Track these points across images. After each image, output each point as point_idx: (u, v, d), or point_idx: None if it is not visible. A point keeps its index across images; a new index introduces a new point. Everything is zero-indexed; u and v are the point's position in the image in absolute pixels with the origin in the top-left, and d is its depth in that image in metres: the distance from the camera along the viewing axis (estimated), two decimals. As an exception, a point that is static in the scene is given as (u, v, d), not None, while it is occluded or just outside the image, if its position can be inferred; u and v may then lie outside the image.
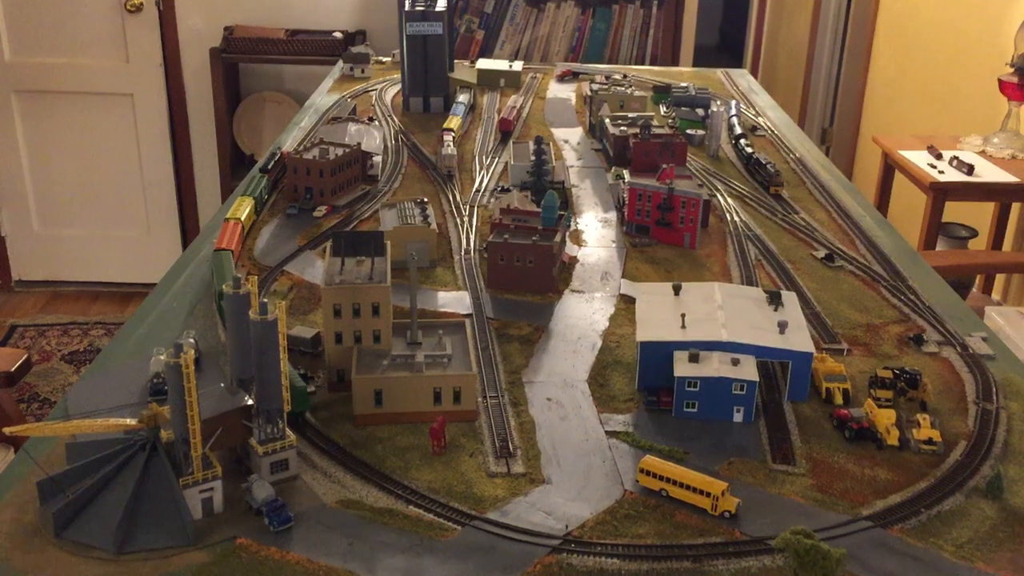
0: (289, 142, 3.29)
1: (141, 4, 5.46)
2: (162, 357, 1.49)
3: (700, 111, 3.53)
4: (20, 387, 4.77)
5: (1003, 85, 4.05)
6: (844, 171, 5.99)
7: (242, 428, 1.62)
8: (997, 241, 4.45)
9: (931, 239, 4.05)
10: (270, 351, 1.59)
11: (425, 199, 2.63)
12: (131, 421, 1.57)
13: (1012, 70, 4.01)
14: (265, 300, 1.59)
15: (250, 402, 1.62)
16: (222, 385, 1.65)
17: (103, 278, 6.00)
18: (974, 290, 4.36)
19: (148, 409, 1.54)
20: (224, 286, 1.63)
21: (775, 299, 2.05)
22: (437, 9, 3.53)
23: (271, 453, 1.61)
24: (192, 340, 1.96)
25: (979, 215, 4.44)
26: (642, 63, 5.37)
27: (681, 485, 1.61)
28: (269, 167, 2.90)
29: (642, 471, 1.64)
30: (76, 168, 5.78)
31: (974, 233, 4.35)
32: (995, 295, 4.54)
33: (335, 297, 1.87)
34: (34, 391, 4.90)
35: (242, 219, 2.56)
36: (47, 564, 1.44)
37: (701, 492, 1.59)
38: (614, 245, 2.61)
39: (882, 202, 4.57)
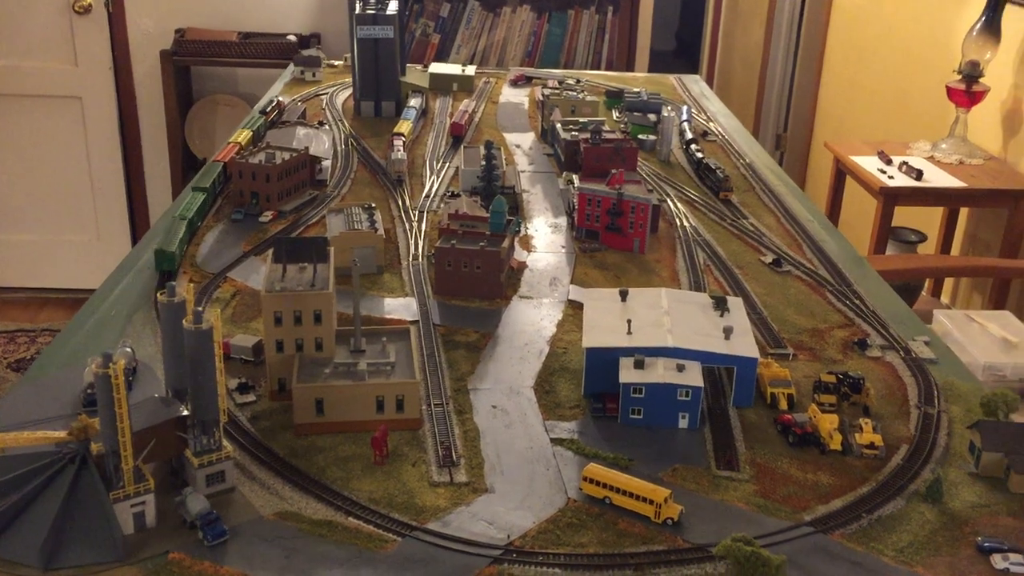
0: (285, 94, 3.76)
1: (90, 5, 5.36)
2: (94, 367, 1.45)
3: (652, 116, 3.53)
4: (-37, 396, 4.66)
5: (951, 92, 4.11)
6: (798, 176, 6.07)
7: (177, 440, 1.58)
8: (946, 245, 4.51)
9: (881, 243, 4.09)
10: (205, 361, 1.55)
11: (373, 204, 2.60)
12: (61, 433, 1.53)
13: (960, 77, 4.07)
14: (200, 309, 1.55)
15: (185, 413, 1.58)
16: (156, 396, 1.62)
17: (51, 284, 5.88)
18: (923, 293, 4.41)
19: (78, 421, 1.50)
20: (159, 294, 1.59)
21: (721, 304, 2.05)
22: (388, 13, 3.50)
23: (207, 465, 1.58)
24: (128, 348, 1.91)
25: (928, 220, 4.50)
26: (598, 68, 5.38)
27: (624, 493, 1.60)
28: (267, 111, 3.32)
29: (585, 479, 1.63)
30: (23, 172, 5.65)
31: (923, 237, 4.41)
32: (944, 298, 4.60)
33: (276, 304, 1.83)
34: (-22, 400, 4.78)
35: (241, 142, 3.01)
36: (-29, 582, 1.40)
37: (644, 500, 1.58)
38: (564, 250, 2.60)
39: (834, 207, 4.61)
